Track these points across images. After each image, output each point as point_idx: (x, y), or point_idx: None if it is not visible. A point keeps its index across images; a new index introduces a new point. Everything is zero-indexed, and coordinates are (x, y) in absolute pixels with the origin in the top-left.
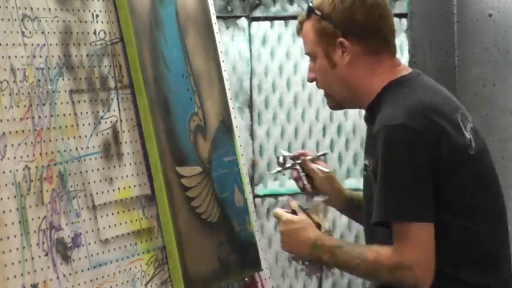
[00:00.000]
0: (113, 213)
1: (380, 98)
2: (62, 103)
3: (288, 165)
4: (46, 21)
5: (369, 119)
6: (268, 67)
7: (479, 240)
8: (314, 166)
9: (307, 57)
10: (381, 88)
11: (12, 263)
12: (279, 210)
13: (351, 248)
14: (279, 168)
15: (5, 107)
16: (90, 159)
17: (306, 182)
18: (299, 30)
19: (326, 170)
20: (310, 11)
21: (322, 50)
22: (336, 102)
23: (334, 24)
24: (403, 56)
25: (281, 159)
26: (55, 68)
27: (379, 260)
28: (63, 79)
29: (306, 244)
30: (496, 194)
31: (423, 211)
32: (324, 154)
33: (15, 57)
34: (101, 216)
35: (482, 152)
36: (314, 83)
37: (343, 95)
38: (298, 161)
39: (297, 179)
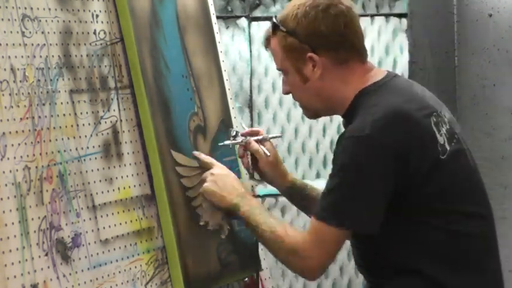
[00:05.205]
0: (113, 213)
1: (352, 107)
2: (62, 103)
3: (238, 140)
4: (46, 21)
5: (346, 126)
6: (268, 67)
7: (459, 240)
8: (258, 148)
9: None
10: (353, 97)
11: (12, 263)
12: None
13: (267, 215)
14: (228, 142)
15: (5, 107)
16: (90, 159)
17: (249, 161)
18: (267, 45)
19: (268, 153)
20: (275, 27)
21: (292, 65)
22: (312, 113)
23: (300, 40)
24: (403, 56)
25: (233, 132)
26: (55, 68)
27: (283, 238)
28: (63, 79)
29: (234, 191)
30: (475, 193)
31: (351, 221)
32: (275, 137)
33: (15, 57)
34: (101, 216)
35: (458, 153)
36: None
37: (318, 106)
38: (245, 139)
39: (241, 157)
